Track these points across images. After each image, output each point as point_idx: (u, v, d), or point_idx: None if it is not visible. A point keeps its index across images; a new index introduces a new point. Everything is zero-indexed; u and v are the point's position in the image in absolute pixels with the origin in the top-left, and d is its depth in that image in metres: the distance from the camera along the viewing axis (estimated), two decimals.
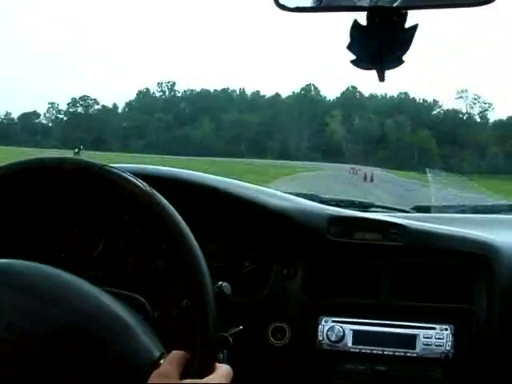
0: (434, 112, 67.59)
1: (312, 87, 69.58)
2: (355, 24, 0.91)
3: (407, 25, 0.91)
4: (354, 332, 1.35)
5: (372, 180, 24.70)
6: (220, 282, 0.98)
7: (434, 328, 1.32)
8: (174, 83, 74.91)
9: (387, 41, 0.91)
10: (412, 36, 0.90)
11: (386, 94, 71.06)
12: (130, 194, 0.85)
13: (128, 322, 0.84)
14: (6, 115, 65.29)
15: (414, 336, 1.32)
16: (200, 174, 1.47)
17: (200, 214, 1.32)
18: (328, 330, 1.36)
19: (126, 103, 72.03)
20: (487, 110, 66.32)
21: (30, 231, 1.43)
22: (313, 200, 1.55)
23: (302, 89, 69.62)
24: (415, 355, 1.31)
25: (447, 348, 1.31)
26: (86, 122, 62.57)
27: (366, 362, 1.34)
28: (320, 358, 1.36)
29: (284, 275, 1.40)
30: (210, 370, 0.80)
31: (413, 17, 0.92)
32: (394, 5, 0.88)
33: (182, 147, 56.09)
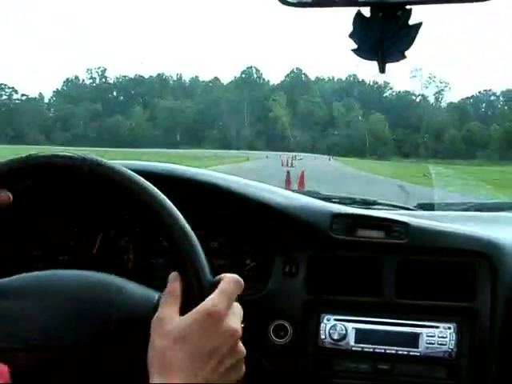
0: (385, 94, 65.47)
1: (254, 70, 67.09)
2: (359, 15, 0.90)
3: (412, 21, 0.90)
4: (357, 330, 1.34)
5: (292, 165, 25.85)
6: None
7: (437, 326, 1.32)
8: (105, 69, 71.43)
9: (390, 35, 0.90)
10: (416, 32, 0.89)
11: (333, 77, 69.16)
12: (127, 190, 0.83)
13: (118, 283, 0.85)
14: None
15: (417, 334, 1.31)
16: (202, 170, 1.46)
17: (201, 212, 1.31)
18: (330, 329, 1.35)
19: (54, 92, 68.46)
20: (443, 90, 64.07)
21: (29, 230, 1.40)
22: (315, 197, 1.54)
23: (243, 72, 66.91)
24: (418, 354, 1.31)
25: (450, 346, 1.30)
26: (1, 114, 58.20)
27: (368, 361, 1.33)
28: (322, 357, 1.35)
29: (286, 273, 1.39)
30: (211, 288, 0.78)
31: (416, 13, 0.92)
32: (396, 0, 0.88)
33: (111, 138, 54.09)
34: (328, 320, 1.36)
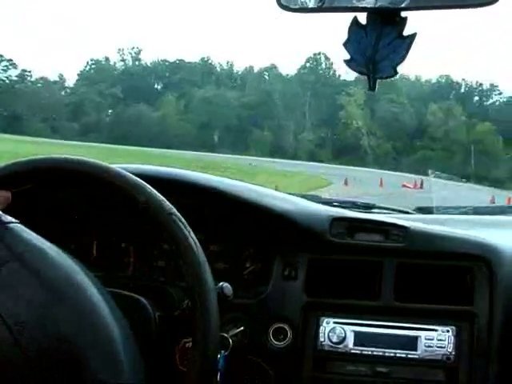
0: (491, 100, 48.08)
1: (323, 58, 48.64)
2: (355, 21, 0.90)
3: (406, 32, 0.90)
4: (356, 333, 1.35)
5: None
6: (221, 283, 0.98)
7: (435, 330, 1.32)
8: (140, 50, 56.25)
9: (386, 42, 0.90)
10: (410, 45, 0.90)
11: (420, 76, 51.27)
12: (129, 195, 0.86)
13: (113, 337, 0.81)
14: None
15: (416, 338, 1.32)
16: (202, 174, 1.47)
17: (201, 215, 1.32)
18: (329, 332, 1.35)
19: (78, 75, 53.17)
20: None
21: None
22: (315, 201, 1.55)
23: (309, 59, 48.55)
24: (417, 357, 1.31)
25: (449, 350, 1.30)
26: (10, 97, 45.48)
27: (367, 364, 1.33)
28: (321, 359, 1.36)
29: (285, 276, 1.40)
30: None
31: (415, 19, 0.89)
32: (396, 6, 0.88)
33: (126, 133, 41.71)
34: (327, 323, 1.36)
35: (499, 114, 41.74)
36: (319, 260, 1.40)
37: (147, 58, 56.78)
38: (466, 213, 1.84)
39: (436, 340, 1.31)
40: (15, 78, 49.04)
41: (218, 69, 54.17)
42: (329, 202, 1.62)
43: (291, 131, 43.00)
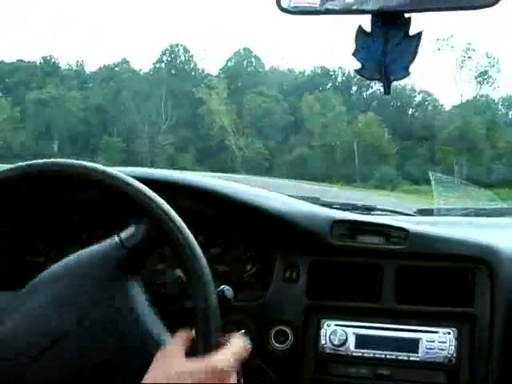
0: (371, 90, 39.28)
1: (181, 49, 40.41)
2: (360, 30, 0.90)
3: (412, 31, 0.90)
4: (357, 336, 1.35)
5: None
6: (222, 286, 0.98)
7: (436, 332, 1.32)
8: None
9: (394, 44, 0.90)
10: (418, 43, 0.89)
11: (293, 69, 42.95)
12: (128, 196, 0.86)
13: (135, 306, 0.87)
14: None
15: (417, 340, 1.32)
16: (200, 177, 1.47)
17: (202, 218, 1.32)
18: (331, 334, 1.35)
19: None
20: None
21: (32, 233, 1.41)
22: (315, 203, 1.56)
23: (165, 52, 40.76)
24: (418, 359, 1.31)
25: (450, 352, 1.31)
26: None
27: (368, 366, 1.34)
28: (322, 362, 1.36)
29: (286, 279, 1.40)
30: (217, 348, 0.79)
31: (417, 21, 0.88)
32: (397, 9, 0.88)
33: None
34: (328, 325, 1.36)
35: (380, 104, 37.57)
36: (320, 262, 1.41)
37: None
38: (466, 215, 1.85)
39: (437, 342, 1.32)
40: None
41: (64, 68, 43.03)
42: (329, 204, 1.62)
43: (146, 134, 35.81)
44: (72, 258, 0.90)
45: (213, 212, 1.41)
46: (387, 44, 0.89)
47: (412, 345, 1.32)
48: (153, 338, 0.86)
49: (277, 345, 1.36)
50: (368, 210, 1.71)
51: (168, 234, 0.85)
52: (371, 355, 1.33)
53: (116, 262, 0.89)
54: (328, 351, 1.35)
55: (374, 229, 1.41)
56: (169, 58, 41.47)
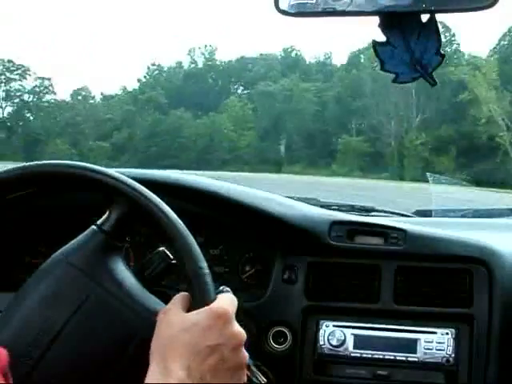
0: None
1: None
2: (375, 43, 0.90)
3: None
4: (355, 336, 1.35)
5: None
6: (221, 287, 0.98)
7: (435, 332, 1.33)
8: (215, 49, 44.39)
9: (415, 43, 0.89)
10: (436, 26, 0.88)
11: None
12: (102, 184, 0.88)
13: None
14: None
15: (415, 340, 1.32)
16: (201, 179, 1.46)
17: (201, 219, 1.32)
18: (329, 335, 1.36)
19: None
20: None
21: (31, 234, 1.41)
22: (314, 204, 1.55)
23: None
24: (416, 360, 1.31)
25: (448, 352, 1.31)
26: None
27: (367, 367, 1.34)
28: (321, 363, 1.36)
29: (285, 280, 1.40)
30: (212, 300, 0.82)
31: None
32: (398, 9, 0.88)
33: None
34: (327, 326, 1.36)
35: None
36: (319, 263, 1.41)
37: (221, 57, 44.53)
38: (464, 215, 1.85)
39: (435, 342, 1.32)
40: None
41: (279, 61, 40.19)
42: (327, 206, 1.63)
43: (392, 132, 28.21)
44: (58, 252, 0.92)
45: (212, 213, 1.41)
46: (408, 42, 0.89)
47: (410, 345, 1.32)
48: (147, 306, 0.88)
49: (275, 346, 1.36)
50: (366, 210, 1.71)
51: (142, 207, 0.86)
52: (370, 356, 1.33)
53: (96, 246, 0.90)
54: (327, 352, 1.35)
55: (372, 230, 1.41)
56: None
